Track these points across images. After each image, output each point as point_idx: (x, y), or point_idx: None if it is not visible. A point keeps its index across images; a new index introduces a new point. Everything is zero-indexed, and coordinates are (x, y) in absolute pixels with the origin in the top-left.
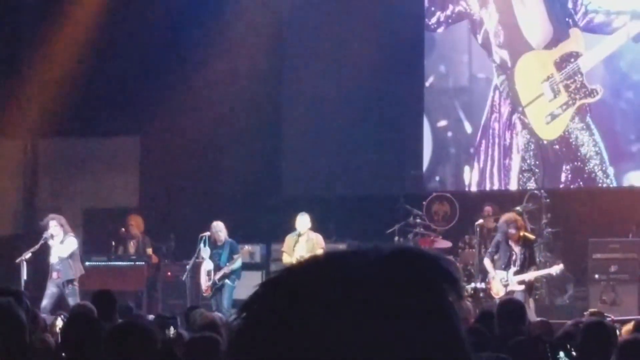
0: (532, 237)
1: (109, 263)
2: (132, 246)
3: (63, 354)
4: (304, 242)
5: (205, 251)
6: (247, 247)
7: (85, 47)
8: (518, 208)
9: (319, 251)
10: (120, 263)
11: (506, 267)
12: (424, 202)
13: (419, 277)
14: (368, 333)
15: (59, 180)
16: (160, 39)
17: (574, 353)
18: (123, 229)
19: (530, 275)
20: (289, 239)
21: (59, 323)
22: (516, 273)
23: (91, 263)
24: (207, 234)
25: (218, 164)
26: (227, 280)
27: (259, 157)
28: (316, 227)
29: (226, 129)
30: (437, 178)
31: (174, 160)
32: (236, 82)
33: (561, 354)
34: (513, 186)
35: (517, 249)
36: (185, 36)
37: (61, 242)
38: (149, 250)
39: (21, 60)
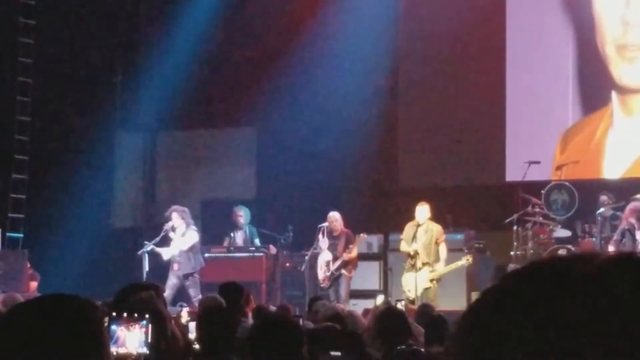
0: None
1: (228, 255)
2: (239, 237)
3: (196, 346)
4: (422, 232)
5: (323, 242)
6: (362, 235)
7: (203, 40)
8: (638, 196)
9: (441, 243)
10: (239, 254)
11: None
12: (543, 191)
13: None
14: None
15: (177, 172)
16: (278, 28)
17: None
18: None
19: None
20: (408, 228)
21: (185, 315)
22: None
23: (210, 255)
24: (325, 224)
25: (335, 155)
26: (343, 271)
27: (375, 147)
28: (433, 217)
29: (343, 119)
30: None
31: (291, 151)
32: (353, 72)
33: None
34: (631, 173)
35: None
36: (303, 26)
37: (182, 234)
38: (256, 241)
39: (139, 53)
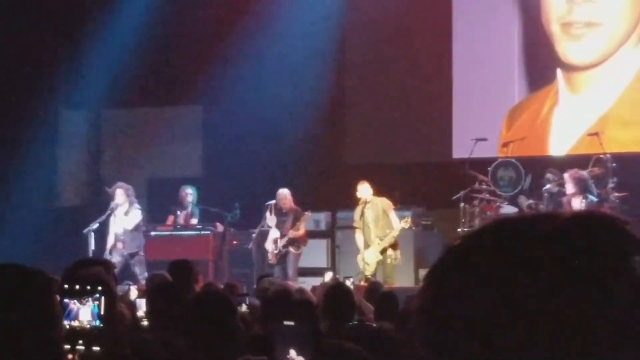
0: None
1: (175, 233)
2: (181, 217)
3: (144, 323)
4: (369, 209)
5: (271, 219)
6: (308, 213)
7: (148, 17)
8: (584, 172)
9: (390, 212)
10: (185, 232)
11: None
12: (489, 168)
13: (607, 237)
14: (554, 284)
15: (123, 150)
16: (224, 5)
17: None
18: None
19: None
20: (356, 211)
21: (133, 292)
22: None
23: (156, 233)
24: (273, 202)
25: (281, 132)
26: (291, 248)
27: (323, 124)
28: (382, 194)
29: (290, 96)
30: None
31: (238, 129)
32: (300, 48)
33: None
34: (576, 150)
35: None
36: (249, 3)
37: (125, 213)
38: (193, 220)
39: (84, 31)
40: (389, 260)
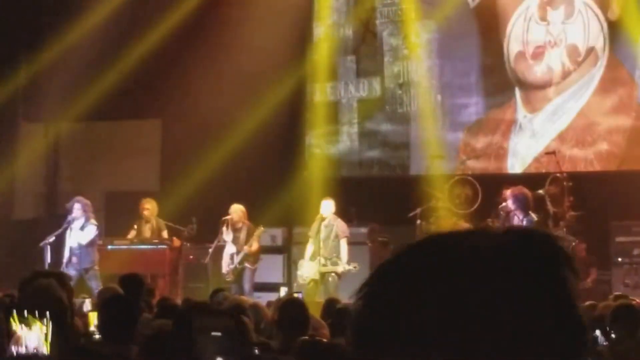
0: None
1: (131, 247)
2: (147, 230)
3: (97, 336)
4: (324, 227)
5: (227, 234)
6: (260, 228)
7: (107, 30)
8: (540, 191)
9: (342, 239)
10: (141, 247)
11: None
12: (446, 185)
13: (539, 252)
14: (483, 294)
15: (81, 163)
16: (181, 21)
17: (612, 335)
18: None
19: None
20: (314, 223)
21: (87, 306)
22: None
23: (113, 247)
24: (229, 217)
25: (238, 147)
26: (247, 264)
27: (280, 139)
28: (337, 210)
29: (247, 111)
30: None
31: (195, 143)
32: (259, 62)
33: (597, 332)
34: (533, 169)
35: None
36: (206, 18)
37: (81, 227)
38: (164, 234)
39: (42, 44)
40: (330, 279)
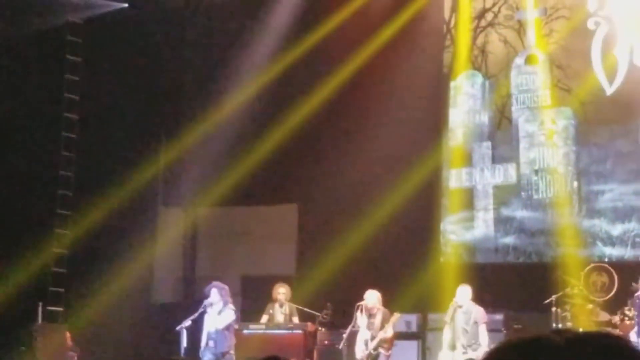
0: None
1: (267, 331)
2: (279, 314)
3: None
4: (461, 313)
5: (362, 319)
6: (396, 314)
7: (242, 117)
8: None
9: (481, 325)
10: (277, 331)
11: None
12: (582, 272)
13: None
14: None
15: (218, 248)
16: (317, 106)
17: None
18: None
19: None
20: (450, 308)
21: None
22: None
23: (249, 331)
24: (363, 302)
25: (374, 232)
26: (381, 350)
27: (415, 224)
28: (473, 296)
29: (382, 196)
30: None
31: (331, 228)
32: (396, 147)
33: None
34: None
35: None
36: (342, 103)
37: (219, 312)
38: (295, 319)
39: (181, 130)
40: None
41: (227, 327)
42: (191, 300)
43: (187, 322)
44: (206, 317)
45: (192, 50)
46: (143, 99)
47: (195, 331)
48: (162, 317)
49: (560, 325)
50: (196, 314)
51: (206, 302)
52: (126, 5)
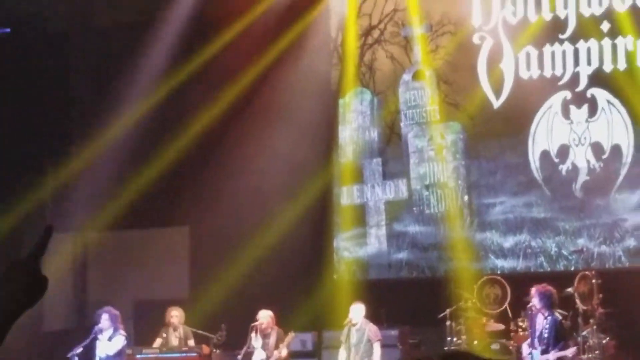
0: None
1: (160, 355)
2: (174, 338)
3: None
4: (355, 331)
5: (256, 340)
6: (291, 334)
7: (129, 141)
8: (569, 290)
9: (374, 342)
10: (172, 355)
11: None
12: (475, 285)
13: None
14: None
15: (109, 273)
16: (205, 129)
17: None
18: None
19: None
20: (345, 328)
21: None
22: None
23: (142, 355)
24: (258, 322)
25: (266, 252)
26: None
27: (307, 242)
28: (367, 312)
29: (273, 216)
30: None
31: (223, 250)
32: (285, 166)
33: None
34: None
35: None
36: (230, 125)
37: (109, 338)
38: (190, 342)
39: (68, 154)
40: None
41: (119, 353)
42: (83, 328)
43: (79, 349)
44: (98, 344)
45: (78, 74)
46: (28, 124)
47: (87, 358)
48: (54, 345)
49: (455, 339)
50: (87, 341)
51: (96, 328)
52: (8, 30)
